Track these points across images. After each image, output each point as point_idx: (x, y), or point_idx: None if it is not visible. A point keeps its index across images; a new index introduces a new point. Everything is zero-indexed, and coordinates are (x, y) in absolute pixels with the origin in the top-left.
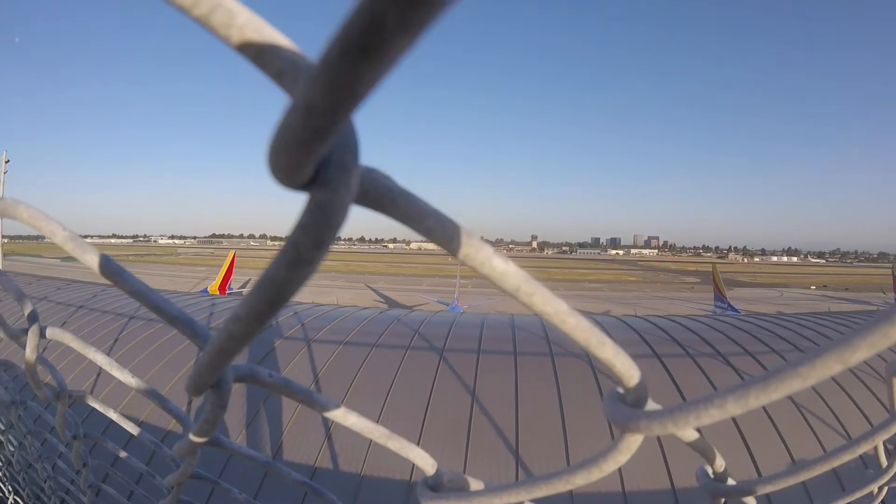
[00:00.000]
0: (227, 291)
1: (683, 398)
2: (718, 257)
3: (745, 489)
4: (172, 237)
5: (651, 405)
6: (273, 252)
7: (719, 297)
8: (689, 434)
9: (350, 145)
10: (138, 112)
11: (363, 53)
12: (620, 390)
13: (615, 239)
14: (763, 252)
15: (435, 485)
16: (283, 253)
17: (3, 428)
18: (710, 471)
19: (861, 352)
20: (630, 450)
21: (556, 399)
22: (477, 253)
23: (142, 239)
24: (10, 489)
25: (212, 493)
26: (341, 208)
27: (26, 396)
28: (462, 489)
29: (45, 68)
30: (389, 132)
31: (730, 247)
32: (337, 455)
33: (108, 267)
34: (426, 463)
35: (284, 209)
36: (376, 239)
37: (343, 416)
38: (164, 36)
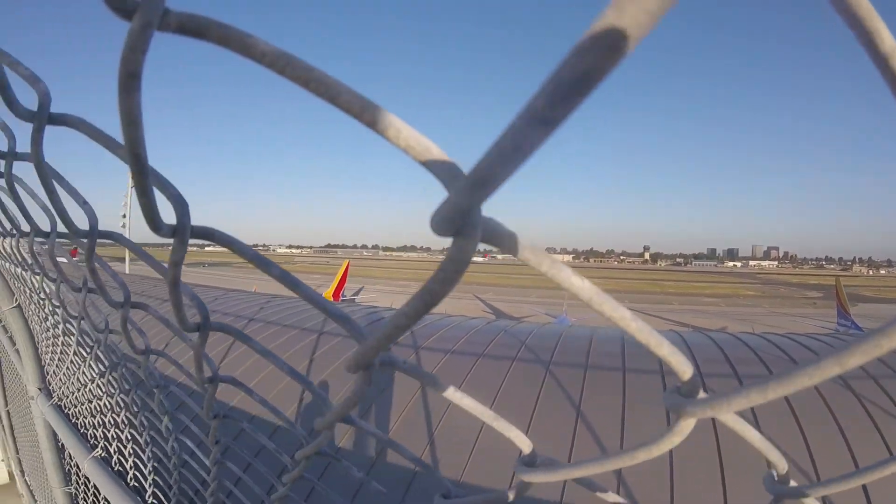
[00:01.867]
0: (341, 298)
1: (800, 426)
2: (842, 269)
3: (805, 491)
4: (290, 246)
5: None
6: (385, 262)
7: (843, 313)
8: (751, 435)
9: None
10: (257, 127)
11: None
12: (678, 384)
13: (732, 250)
14: (889, 263)
15: (530, 462)
16: (440, 272)
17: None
18: (774, 474)
19: None
20: (683, 433)
21: (665, 420)
22: (559, 272)
23: (261, 247)
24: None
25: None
26: (473, 248)
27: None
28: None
29: (164, 85)
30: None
31: (854, 257)
32: (438, 449)
33: (287, 278)
34: (524, 443)
35: (396, 222)
36: (484, 249)
37: (459, 398)
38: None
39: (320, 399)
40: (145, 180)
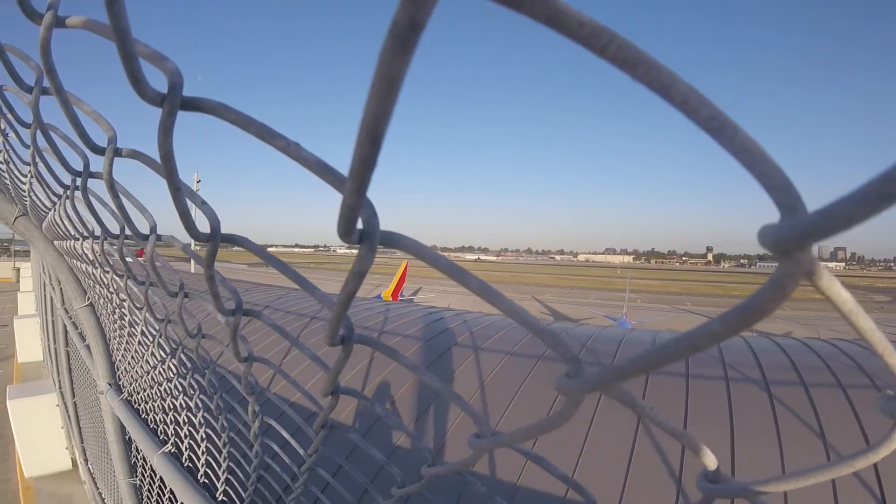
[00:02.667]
0: (399, 298)
1: (866, 437)
2: None
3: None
4: (350, 247)
5: None
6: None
7: None
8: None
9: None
10: (315, 128)
11: None
12: (890, 392)
13: None
14: None
15: (714, 479)
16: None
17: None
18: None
19: None
20: None
21: (728, 429)
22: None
23: (322, 249)
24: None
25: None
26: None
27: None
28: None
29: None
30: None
31: None
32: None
33: (487, 291)
34: (710, 459)
35: (454, 223)
36: (543, 250)
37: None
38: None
39: (475, 418)
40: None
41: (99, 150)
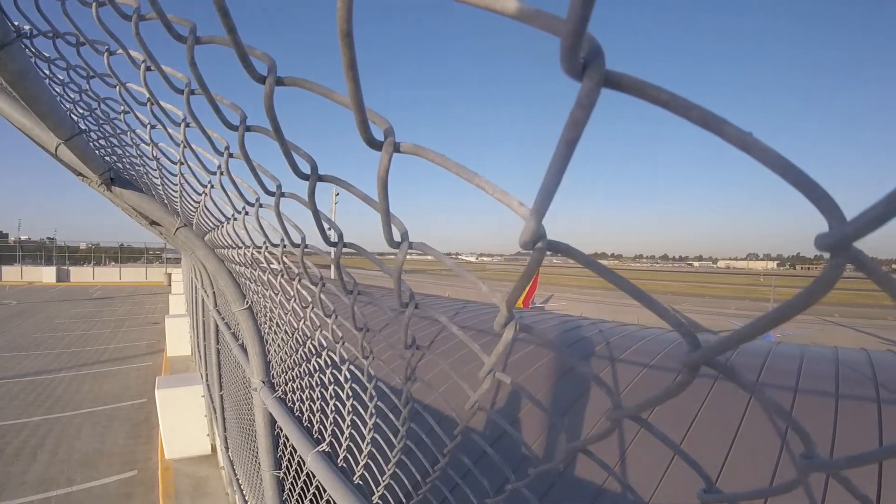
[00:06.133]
0: (531, 305)
1: None
2: None
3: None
4: (480, 255)
5: None
6: (574, 270)
7: None
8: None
9: None
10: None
11: None
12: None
13: None
14: None
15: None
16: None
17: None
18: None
19: None
20: None
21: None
22: None
23: (453, 255)
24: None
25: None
26: None
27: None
28: None
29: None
30: None
31: None
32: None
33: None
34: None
35: (585, 228)
36: (680, 257)
37: None
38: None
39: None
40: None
41: (303, 176)
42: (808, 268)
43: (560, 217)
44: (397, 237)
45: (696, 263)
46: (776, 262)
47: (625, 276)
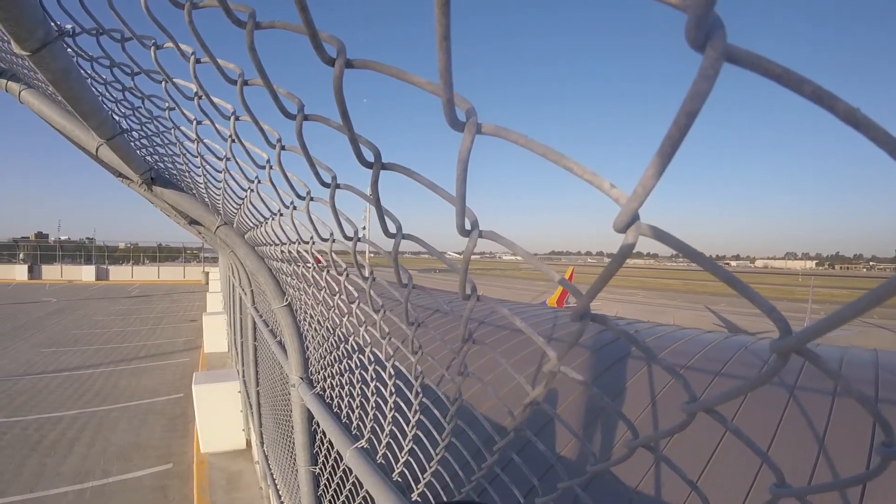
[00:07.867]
0: (565, 305)
1: None
2: None
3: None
4: (514, 254)
5: None
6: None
7: None
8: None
9: None
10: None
11: None
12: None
13: None
14: None
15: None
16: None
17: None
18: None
19: None
20: None
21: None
22: None
23: (487, 255)
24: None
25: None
26: None
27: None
28: None
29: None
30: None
31: None
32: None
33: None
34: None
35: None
36: (717, 255)
37: None
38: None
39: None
40: None
41: (367, 164)
42: (847, 268)
43: (590, 218)
44: (467, 226)
45: (733, 263)
46: (815, 262)
47: (661, 275)
